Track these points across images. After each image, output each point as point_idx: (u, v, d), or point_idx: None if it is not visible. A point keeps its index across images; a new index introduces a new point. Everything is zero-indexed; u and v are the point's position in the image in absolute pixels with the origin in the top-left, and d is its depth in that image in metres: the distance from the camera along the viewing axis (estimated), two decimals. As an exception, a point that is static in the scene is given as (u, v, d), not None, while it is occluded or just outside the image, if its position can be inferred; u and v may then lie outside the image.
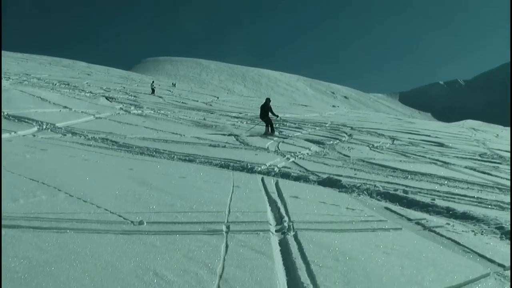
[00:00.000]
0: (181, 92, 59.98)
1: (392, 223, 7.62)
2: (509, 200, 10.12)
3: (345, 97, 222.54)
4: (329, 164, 14.12)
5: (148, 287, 4.33)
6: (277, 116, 23.72)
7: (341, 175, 12.07)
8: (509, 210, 9.34)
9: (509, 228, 7.63)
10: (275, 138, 20.22)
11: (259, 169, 12.57)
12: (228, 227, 6.29)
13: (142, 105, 32.92)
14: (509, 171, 14.84)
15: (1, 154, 10.29)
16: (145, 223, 6.14)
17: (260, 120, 23.09)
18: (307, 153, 16.25)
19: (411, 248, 6.24)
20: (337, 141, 20.55)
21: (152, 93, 49.56)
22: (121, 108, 28.84)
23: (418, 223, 7.77)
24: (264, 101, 23.06)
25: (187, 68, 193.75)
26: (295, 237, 6.10)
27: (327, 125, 27.22)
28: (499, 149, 21.04)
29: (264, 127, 22.46)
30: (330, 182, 11.20)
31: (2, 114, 19.35)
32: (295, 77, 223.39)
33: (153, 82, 58.97)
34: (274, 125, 22.70)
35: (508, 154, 19.15)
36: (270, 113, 22.30)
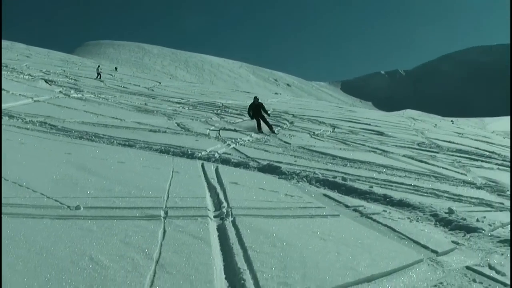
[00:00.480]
0: (122, 76, 59.19)
1: (330, 209, 7.72)
2: (444, 189, 10.40)
3: (288, 84, 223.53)
4: (270, 151, 14.21)
5: (83, 272, 4.28)
6: (269, 114, 21.53)
7: (281, 162, 12.17)
8: (444, 198, 9.60)
9: (444, 215, 7.84)
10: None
11: (200, 155, 12.58)
12: (166, 213, 6.26)
13: (82, 89, 32.34)
14: (446, 160, 15.18)
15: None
16: (82, 208, 6.06)
17: (250, 118, 21.14)
18: (248, 140, 16.33)
19: (348, 234, 6.33)
20: (279, 128, 20.72)
21: (97, 77, 48.10)
22: (60, 92, 28.27)
23: (355, 210, 7.91)
24: (253, 100, 21.47)
25: (130, 53, 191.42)
26: (233, 223, 6.11)
27: (269, 112, 27.31)
28: (437, 139, 21.48)
29: (256, 124, 20.43)
30: (270, 169, 11.28)
31: None
32: (238, 64, 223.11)
33: (99, 66, 56.26)
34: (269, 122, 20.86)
35: (445, 144, 19.59)
36: (262, 111, 20.77)
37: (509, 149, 21.01)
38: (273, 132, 19.63)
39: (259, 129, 19.89)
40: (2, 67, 39.94)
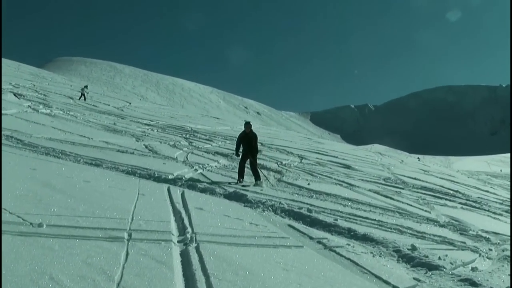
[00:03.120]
0: (93, 94, 58.82)
1: (294, 240, 7.74)
2: (408, 225, 10.50)
3: (258, 112, 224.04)
4: (236, 178, 14.22)
5: (43, 291, 4.23)
6: (258, 152, 15.41)
7: (247, 190, 12.19)
8: (408, 234, 9.68)
9: (406, 252, 7.90)
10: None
11: (166, 178, 12.55)
12: (130, 235, 6.21)
13: (51, 105, 32.09)
14: (411, 196, 15.32)
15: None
16: (44, 226, 5.98)
17: (235, 154, 15.30)
18: (216, 166, 16.31)
19: (311, 266, 6.35)
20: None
21: (80, 98, 45.09)
22: (29, 106, 28.07)
23: (319, 242, 7.93)
24: (244, 127, 15.48)
25: (101, 71, 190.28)
26: (197, 249, 6.09)
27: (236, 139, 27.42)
28: (402, 175, 21.66)
29: (239, 165, 14.88)
30: (236, 196, 11.30)
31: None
32: (209, 89, 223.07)
33: (86, 86, 51.45)
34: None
35: (410, 180, 19.78)
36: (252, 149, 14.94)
37: (473, 189, 21.31)
38: (258, 183, 14.03)
39: (240, 177, 14.39)
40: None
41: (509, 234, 11.19)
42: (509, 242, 10.40)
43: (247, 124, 15.57)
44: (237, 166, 15.10)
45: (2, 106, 24.42)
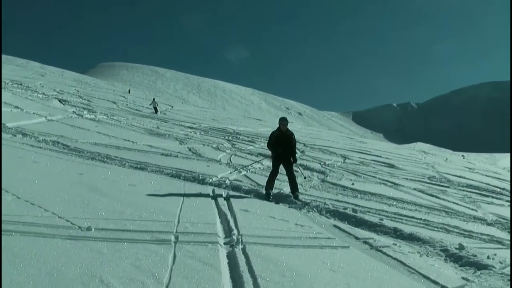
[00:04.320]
0: (135, 99, 59.48)
1: (340, 241, 7.68)
2: (455, 224, 10.34)
3: (299, 113, 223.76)
4: (280, 179, 14.14)
5: (93, 294, 4.29)
6: (296, 160, 12.51)
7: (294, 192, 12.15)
8: (455, 233, 9.55)
9: (454, 251, 7.79)
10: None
11: (210, 180, 12.59)
12: (176, 237, 6.25)
13: (95, 110, 32.59)
14: (456, 195, 15.12)
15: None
16: (93, 229, 6.07)
17: (272, 160, 12.48)
18: (259, 167, 16.29)
19: (357, 266, 6.30)
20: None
21: (155, 112, 43.05)
22: (74, 112, 28.54)
23: (365, 242, 7.85)
24: (279, 124, 12.33)
25: (143, 75, 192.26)
26: (243, 251, 6.10)
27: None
28: (447, 173, 21.40)
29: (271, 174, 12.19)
30: (281, 198, 11.28)
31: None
32: (250, 91, 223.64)
33: (154, 99, 48.17)
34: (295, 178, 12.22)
35: (456, 178, 19.51)
36: (289, 152, 12.24)
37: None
38: (296, 196, 11.61)
39: (269, 189, 11.79)
40: (17, 85, 40.27)
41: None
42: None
43: (283, 121, 12.33)
44: (268, 175, 12.22)
45: (48, 112, 24.86)
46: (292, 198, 11.55)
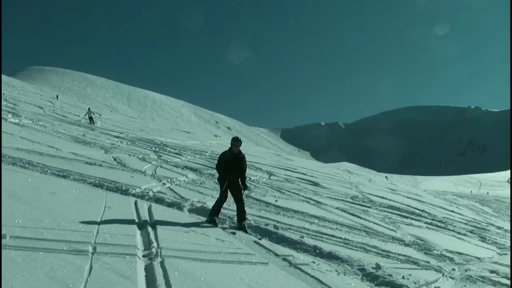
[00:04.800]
0: (63, 105, 58.37)
1: (260, 257, 7.76)
2: (373, 244, 10.59)
3: (228, 127, 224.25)
4: (205, 193, 14.16)
5: (3, 304, 4.20)
6: (246, 186, 11.43)
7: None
8: (373, 253, 9.77)
9: (371, 270, 7.98)
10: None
11: (134, 191, 12.48)
12: (94, 248, 6.18)
13: (20, 114, 31.82)
14: (377, 215, 15.43)
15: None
16: (7, 237, 5.92)
17: (219, 182, 11.26)
18: (184, 180, 16.23)
19: (275, 283, 6.37)
20: (215, 171, 20.56)
21: (90, 122, 40.86)
22: (-4, 115, 27.77)
23: (285, 259, 7.96)
24: (230, 145, 11.27)
25: (72, 82, 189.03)
26: (162, 264, 6.08)
27: (207, 154, 27.28)
28: (370, 193, 21.81)
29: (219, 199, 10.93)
30: (203, 211, 11.26)
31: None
32: (180, 103, 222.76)
33: (89, 109, 45.22)
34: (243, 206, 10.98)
35: (378, 199, 19.93)
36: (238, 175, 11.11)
37: (439, 209, 21.60)
38: (243, 226, 10.42)
39: (215, 215, 10.56)
40: None
41: (471, 254, 11.42)
42: (471, 262, 10.62)
43: (237, 141, 11.27)
44: (215, 200, 11.03)
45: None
46: (237, 229, 10.25)
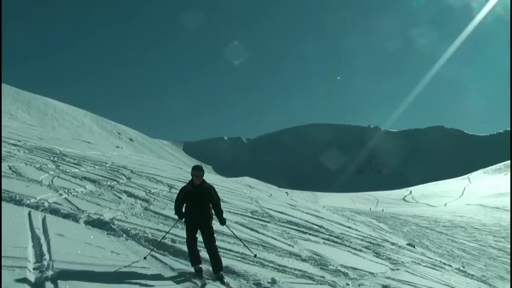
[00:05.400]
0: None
1: (155, 271, 7.72)
2: (270, 258, 10.75)
3: (131, 139, 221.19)
4: (102, 205, 13.92)
5: None
6: (224, 221, 9.75)
7: (113, 218, 11.99)
8: (269, 268, 9.89)
9: (266, 285, 8.12)
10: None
11: (28, 202, 12.11)
12: (-18, 261, 5.99)
13: None
14: (276, 230, 15.61)
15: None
16: None
17: (189, 224, 9.25)
18: (82, 191, 15.90)
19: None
20: (115, 182, 20.29)
21: None
22: None
23: (180, 274, 7.94)
24: (191, 176, 9.25)
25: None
26: (52, 277, 5.96)
27: (107, 165, 26.82)
28: (270, 208, 22.02)
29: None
30: (100, 224, 11.09)
31: None
32: (82, 112, 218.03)
33: None
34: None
35: (277, 214, 20.16)
36: (210, 210, 9.35)
37: (336, 224, 22.09)
38: (220, 277, 8.47)
39: (195, 263, 8.72)
40: None
41: (366, 269, 11.78)
42: (365, 277, 10.97)
43: (197, 170, 9.20)
44: (186, 242, 9.19)
45: None
46: (213, 280, 8.42)
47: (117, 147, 73.30)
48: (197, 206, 9.00)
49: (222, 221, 9.49)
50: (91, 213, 12.17)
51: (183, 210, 9.23)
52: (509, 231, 42.83)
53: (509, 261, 28.61)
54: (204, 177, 9.20)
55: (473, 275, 17.47)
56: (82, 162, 25.04)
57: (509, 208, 74.11)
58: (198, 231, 9.18)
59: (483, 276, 19.41)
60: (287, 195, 49.24)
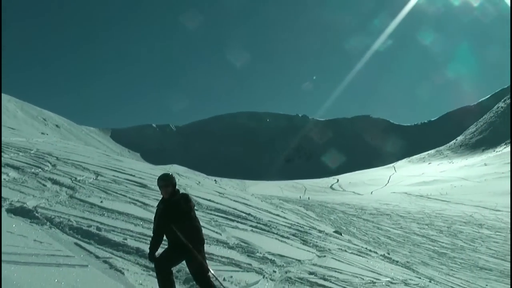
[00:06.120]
0: None
1: (79, 259, 7.57)
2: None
3: (57, 125, 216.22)
4: (26, 192, 13.55)
5: None
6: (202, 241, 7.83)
7: (36, 206, 11.68)
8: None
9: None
10: None
11: None
12: None
13: None
14: (204, 218, 15.53)
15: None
16: None
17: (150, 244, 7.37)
18: (4, 179, 15.44)
19: (93, 286, 6.24)
20: (39, 169, 19.78)
21: None
22: None
23: (105, 262, 7.82)
24: (159, 188, 7.95)
25: None
26: (-31, 267, 5.73)
27: (32, 151, 26.12)
28: (198, 196, 21.78)
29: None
30: (23, 212, 10.79)
31: None
32: (6, 97, 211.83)
33: None
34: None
35: (205, 202, 20.07)
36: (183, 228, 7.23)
37: (264, 212, 22.18)
38: None
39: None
40: None
41: (293, 257, 11.86)
42: (292, 264, 11.04)
43: (163, 180, 7.92)
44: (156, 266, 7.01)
45: None
46: None
47: (42, 133, 71.62)
48: (177, 224, 7.10)
49: (197, 244, 7.27)
50: (13, 201, 11.80)
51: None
52: (432, 219, 44.04)
53: (432, 247, 29.39)
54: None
55: (397, 261, 17.84)
56: (5, 149, 24.31)
57: (432, 197, 76.30)
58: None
59: (407, 262, 19.84)
60: (215, 183, 49.25)
